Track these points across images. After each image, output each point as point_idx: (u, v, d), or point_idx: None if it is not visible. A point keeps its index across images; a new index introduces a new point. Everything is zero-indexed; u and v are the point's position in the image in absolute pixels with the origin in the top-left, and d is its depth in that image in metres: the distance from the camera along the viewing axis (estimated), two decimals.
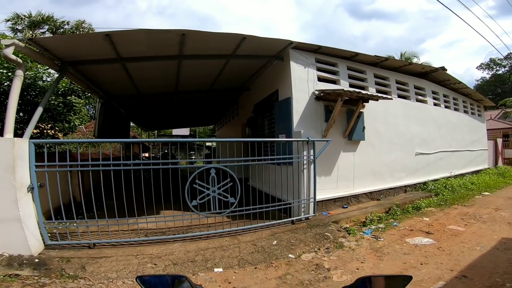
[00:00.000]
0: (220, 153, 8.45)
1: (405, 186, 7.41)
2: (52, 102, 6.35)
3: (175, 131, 24.59)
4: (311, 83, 5.31)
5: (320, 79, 5.50)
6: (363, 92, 5.09)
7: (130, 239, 3.75)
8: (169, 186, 3.69)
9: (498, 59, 36.53)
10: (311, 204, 4.89)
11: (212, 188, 3.95)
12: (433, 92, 8.39)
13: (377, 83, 6.54)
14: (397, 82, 7.11)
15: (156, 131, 23.92)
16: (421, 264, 3.53)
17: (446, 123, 8.91)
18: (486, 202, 6.98)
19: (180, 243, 3.81)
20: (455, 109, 9.52)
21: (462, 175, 9.79)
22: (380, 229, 4.86)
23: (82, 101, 7.68)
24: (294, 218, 4.68)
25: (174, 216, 3.92)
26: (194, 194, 3.90)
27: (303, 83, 5.21)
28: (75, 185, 4.08)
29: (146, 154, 19.00)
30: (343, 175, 5.72)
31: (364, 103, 5.27)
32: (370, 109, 5.82)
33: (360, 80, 6.26)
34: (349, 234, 4.52)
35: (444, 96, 8.95)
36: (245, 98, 8.85)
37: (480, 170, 11.29)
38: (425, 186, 7.79)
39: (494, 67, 39.06)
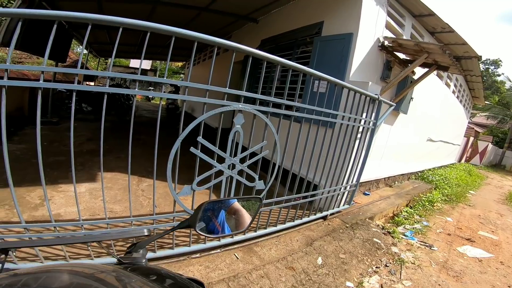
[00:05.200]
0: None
1: (410, 173, 6.64)
2: None
3: (134, 63, 20.40)
4: (378, 26, 3.66)
5: (386, 27, 3.86)
6: (449, 53, 3.55)
7: None
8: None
9: None
10: (350, 192, 3.51)
11: (230, 160, 2.02)
12: (456, 79, 7.47)
13: None
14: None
15: (110, 59, 19.70)
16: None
17: (452, 113, 8.34)
18: (481, 203, 6.70)
19: None
20: (460, 101, 8.90)
21: (442, 167, 9.76)
22: (418, 231, 3.89)
23: None
24: (329, 212, 3.25)
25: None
26: (185, 168, 1.93)
27: (370, 22, 3.53)
28: None
29: (92, 83, 15.51)
30: (373, 154, 4.44)
31: (439, 70, 3.87)
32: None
33: None
34: (392, 237, 3.38)
35: (460, 85, 8.16)
36: (245, 32, 6.75)
37: (451, 164, 11.46)
38: (423, 176, 7.24)
39: None
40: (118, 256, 0.79)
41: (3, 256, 0.67)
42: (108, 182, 3.43)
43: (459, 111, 9.15)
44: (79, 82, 1.60)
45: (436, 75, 5.89)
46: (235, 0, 5.11)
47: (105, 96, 1.55)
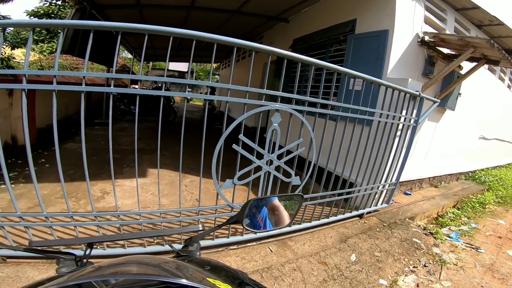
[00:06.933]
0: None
1: (459, 173, 6.21)
2: None
3: (172, 65, 21.58)
4: (416, 22, 3.52)
5: (425, 21, 3.70)
6: (499, 47, 3.29)
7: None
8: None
9: None
10: (389, 191, 3.44)
11: (268, 157, 2.16)
12: (510, 73, 6.78)
13: None
14: None
15: (151, 63, 21.09)
16: None
17: (508, 109, 7.54)
18: None
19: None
20: None
21: (497, 167, 8.89)
22: (465, 233, 3.68)
23: None
24: (365, 211, 3.23)
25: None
26: (223, 165, 2.09)
27: (407, 18, 3.42)
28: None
29: (136, 86, 16.76)
30: (416, 152, 4.27)
31: (489, 64, 3.63)
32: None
33: None
34: (435, 238, 3.26)
35: None
36: (277, 33, 6.83)
37: (508, 164, 10.35)
38: (475, 176, 6.70)
39: None
40: (177, 249, 0.92)
41: (89, 249, 0.79)
42: (155, 178, 3.77)
43: None
44: (126, 86, 1.86)
45: (488, 69, 5.43)
46: (265, 1, 5.23)
47: (162, 99, 1.81)
